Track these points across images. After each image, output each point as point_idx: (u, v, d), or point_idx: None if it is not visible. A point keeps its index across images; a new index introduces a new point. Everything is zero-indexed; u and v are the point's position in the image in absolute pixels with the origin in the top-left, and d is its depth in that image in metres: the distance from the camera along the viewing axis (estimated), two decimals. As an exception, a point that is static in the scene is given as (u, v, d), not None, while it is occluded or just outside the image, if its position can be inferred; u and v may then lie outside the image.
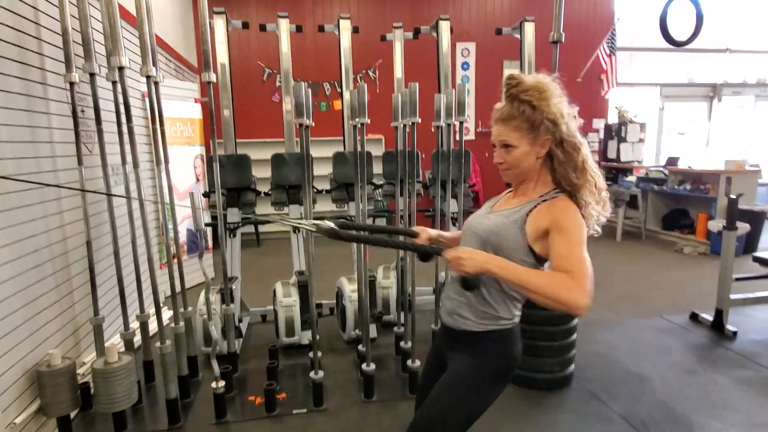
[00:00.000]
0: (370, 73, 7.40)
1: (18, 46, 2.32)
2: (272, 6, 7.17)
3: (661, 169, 6.86)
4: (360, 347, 2.92)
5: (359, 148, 2.62)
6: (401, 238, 1.93)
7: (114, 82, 2.47)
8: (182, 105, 4.84)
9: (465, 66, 7.53)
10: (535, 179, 1.36)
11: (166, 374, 2.48)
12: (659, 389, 2.71)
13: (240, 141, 6.55)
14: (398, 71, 3.94)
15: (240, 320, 3.38)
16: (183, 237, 4.77)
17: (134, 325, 2.85)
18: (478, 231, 1.37)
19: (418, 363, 2.70)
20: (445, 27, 3.73)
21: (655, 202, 6.95)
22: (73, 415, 2.50)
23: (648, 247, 6.32)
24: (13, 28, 2.28)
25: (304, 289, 3.20)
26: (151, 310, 2.80)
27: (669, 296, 4.30)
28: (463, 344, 1.39)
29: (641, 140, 7.65)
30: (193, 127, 4.98)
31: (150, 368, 2.88)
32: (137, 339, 2.81)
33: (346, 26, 3.65)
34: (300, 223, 1.52)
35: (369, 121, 2.43)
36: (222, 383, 2.49)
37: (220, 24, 3.50)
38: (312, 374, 2.58)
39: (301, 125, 2.35)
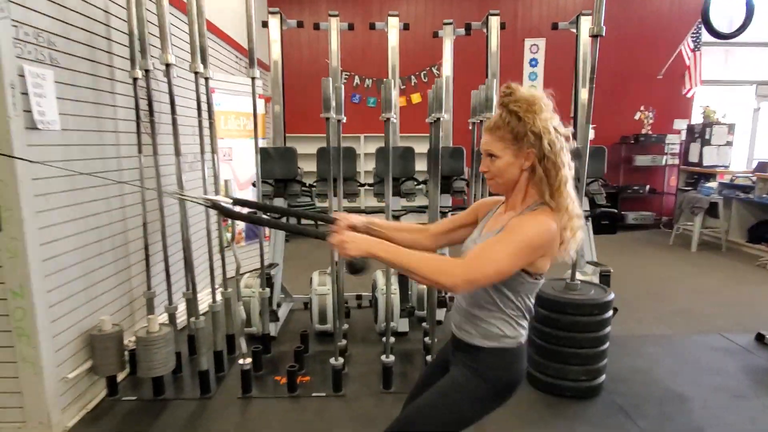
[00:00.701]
0: (434, 71, 7.39)
1: (89, 45, 2.62)
2: (342, 4, 7.35)
3: (749, 175, 6.23)
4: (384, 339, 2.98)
5: (391, 143, 2.67)
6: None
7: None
8: (247, 100, 5.12)
9: (533, 63, 7.28)
10: (523, 192, 1.34)
11: (199, 348, 2.69)
12: (697, 411, 2.51)
13: (312, 136, 6.91)
14: (447, 68, 3.93)
15: (279, 305, 3.56)
16: (241, 224, 5.07)
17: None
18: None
19: (438, 359, 2.71)
20: (495, 23, 3.66)
21: (740, 212, 6.32)
22: (121, 377, 2.80)
23: (727, 259, 5.77)
24: (84, 29, 2.58)
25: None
26: (207, 290, 3.03)
27: (736, 314, 3.92)
28: (466, 355, 1.40)
29: (728, 143, 6.99)
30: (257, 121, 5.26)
31: (193, 342, 3.13)
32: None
33: (394, 24, 3.70)
34: (192, 198, 1.57)
35: (395, 116, 2.46)
36: (248, 360, 2.66)
37: (274, 23, 3.69)
38: (332, 360, 2.68)
39: (328, 119, 2.45)
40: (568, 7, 7.24)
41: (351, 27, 3.99)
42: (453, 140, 4.20)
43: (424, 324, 3.22)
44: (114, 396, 2.65)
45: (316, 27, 3.97)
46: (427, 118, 2.85)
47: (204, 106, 2.83)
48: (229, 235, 4.92)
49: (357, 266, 1.27)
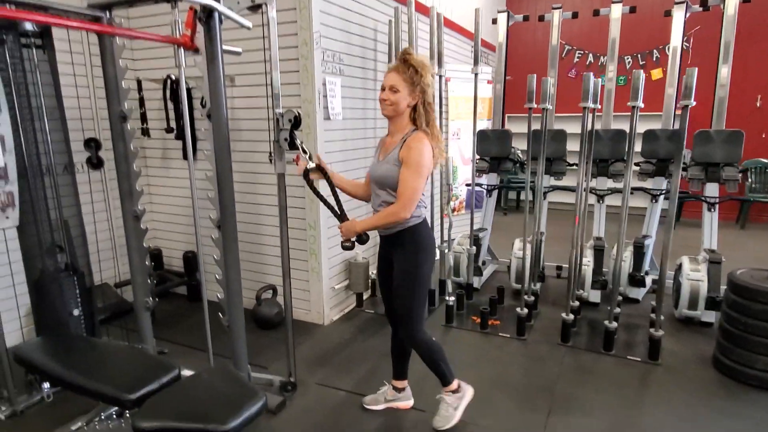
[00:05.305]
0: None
1: (361, 57, 3.69)
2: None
3: None
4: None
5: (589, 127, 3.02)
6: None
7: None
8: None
9: None
10: (404, 120, 2.03)
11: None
12: None
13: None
14: (674, 43, 3.81)
15: (484, 263, 4.22)
16: (463, 195, 5.89)
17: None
18: (374, 176, 2.11)
19: (613, 324, 3.00)
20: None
21: None
22: (366, 297, 3.91)
23: None
24: (359, 46, 3.64)
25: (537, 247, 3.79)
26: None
27: None
28: (397, 239, 2.07)
29: None
30: (483, 104, 5.91)
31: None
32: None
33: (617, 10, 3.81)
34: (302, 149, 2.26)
35: (590, 105, 2.81)
36: (452, 298, 3.44)
37: (502, 18, 4.24)
38: (518, 309, 3.25)
39: (530, 108, 2.95)
40: None
41: (575, 16, 4.23)
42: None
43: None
44: (360, 308, 3.78)
45: (541, 19, 4.33)
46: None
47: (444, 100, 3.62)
48: (452, 203, 5.80)
49: (360, 240, 2.08)
